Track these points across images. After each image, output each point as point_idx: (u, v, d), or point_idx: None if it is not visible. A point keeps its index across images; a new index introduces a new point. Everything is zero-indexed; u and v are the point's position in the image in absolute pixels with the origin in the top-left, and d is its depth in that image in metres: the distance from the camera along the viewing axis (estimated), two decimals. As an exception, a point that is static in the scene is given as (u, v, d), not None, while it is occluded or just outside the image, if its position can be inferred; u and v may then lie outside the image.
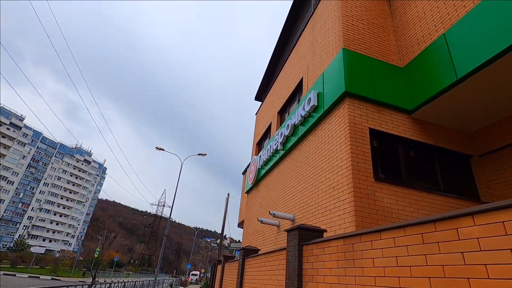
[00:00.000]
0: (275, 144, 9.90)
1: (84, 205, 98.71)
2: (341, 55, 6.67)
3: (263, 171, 11.42)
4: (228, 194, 31.73)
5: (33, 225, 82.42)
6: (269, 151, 10.52)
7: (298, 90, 9.98)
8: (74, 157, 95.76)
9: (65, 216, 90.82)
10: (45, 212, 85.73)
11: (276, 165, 10.16)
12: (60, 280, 29.83)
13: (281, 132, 9.31)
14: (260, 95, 17.90)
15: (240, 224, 20.29)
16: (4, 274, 26.92)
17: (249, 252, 7.97)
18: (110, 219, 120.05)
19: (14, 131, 76.40)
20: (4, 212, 74.80)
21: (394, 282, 2.61)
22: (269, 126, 12.69)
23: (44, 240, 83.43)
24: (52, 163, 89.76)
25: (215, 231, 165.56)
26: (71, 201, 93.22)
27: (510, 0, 4.63)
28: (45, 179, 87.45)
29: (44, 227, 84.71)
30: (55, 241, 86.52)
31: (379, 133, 6.13)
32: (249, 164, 15.29)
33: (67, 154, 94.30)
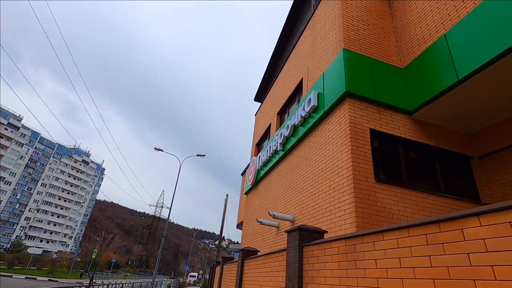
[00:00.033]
0: (274, 145, 9.87)
1: (82, 206, 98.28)
2: (342, 55, 6.65)
3: (262, 172, 11.38)
4: (227, 195, 31.67)
5: (30, 226, 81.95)
6: (268, 152, 10.49)
7: (298, 90, 9.96)
8: (72, 157, 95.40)
9: (62, 217, 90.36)
10: (43, 213, 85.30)
11: (276, 165, 10.11)
12: (57, 281, 29.63)
13: (281, 133, 9.27)
14: (260, 96, 17.87)
15: (239, 225, 20.22)
16: (0, 275, 26.69)
17: (249, 253, 7.91)
18: (108, 220, 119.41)
19: (12, 131, 76.06)
20: (1, 213, 74.33)
21: (397, 284, 2.58)
22: (269, 127, 12.66)
23: (41, 241, 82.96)
24: (50, 164, 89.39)
25: (213, 233, 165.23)
26: (68, 202, 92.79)
27: (511, 1, 4.63)
28: (43, 179, 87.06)
29: (42, 228, 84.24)
30: (52, 242, 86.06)
31: (380, 134, 6.10)
32: (248, 165, 15.24)
33: (65, 154, 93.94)
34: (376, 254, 2.91)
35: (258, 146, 14.42)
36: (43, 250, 62.70)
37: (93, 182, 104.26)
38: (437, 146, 6.48)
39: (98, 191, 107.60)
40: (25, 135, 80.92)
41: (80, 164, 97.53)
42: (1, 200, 74.33)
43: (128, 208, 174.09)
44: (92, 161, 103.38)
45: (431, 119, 6.58)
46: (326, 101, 6.84)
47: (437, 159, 6.53)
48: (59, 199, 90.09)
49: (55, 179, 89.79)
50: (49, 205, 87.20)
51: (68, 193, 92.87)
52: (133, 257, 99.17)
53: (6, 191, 76.12)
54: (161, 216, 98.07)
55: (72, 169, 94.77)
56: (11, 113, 77.12)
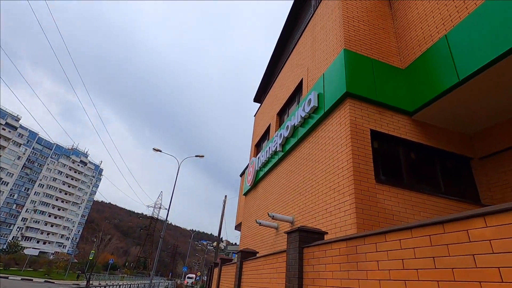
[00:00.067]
0: (274, 146, 9.83)
1: (80, 206, 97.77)
2: (342, 55, 6.63)
3: (261, 173, 11.33)
4: (225, 196, 31.56)
5: (27, 227, 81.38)
6: (268, 153, 10.44)
7: (298, 91, 9.93)
8: (70, 158, 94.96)
9: (60, 218, 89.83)
10: (40, 213, 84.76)
11: (275, 166, 10.07)
12: (53, 282, 29.41)
13: (281, 134, 9.23)
14: (259, 97, 17.84)
15: (238, 227, 20.13)
16: (-4, 276, 26.43)
17: (247, 254, 7.85)
18: (106, 221, 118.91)
19: (9, 131, 75.66)
20: (-2, 213, 73.86)
21: (400, 286, 2.53)
22: (268, 128, 12.62)
23: (38, 242, 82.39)
24: (48, 164, 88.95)
25: (211, 234, 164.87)
26: (66, 202, 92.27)
27: (512, 2, 4.62)
28: (40, 180, 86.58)
29: (38, 229, 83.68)
30: (49, 243, 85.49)
31: (380, 135, 6.07)
32: (247, 165, 15.19)
33: (63, 155, 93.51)
34: (378, 256, 2.86)
35: (257, 147, 14.38)
36: (40, 251, 62.32)
37: (91, 183, 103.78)
38: (438, 147, 6.46)
39: (96, 192, 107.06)
40: (23, 135, 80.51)
41: (78, 165, 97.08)
42: (-2, 201, 73.84)
43: (126, 209, 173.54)
44: (90, 162, 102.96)
45: (432, 120, 6.56)
46: (326, 101, 6.81)
47: (437, 160, 6.50)
48: (57, 199, 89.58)
49: (53, 180, 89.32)
50: (46, 205, 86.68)
51: (65, 194, 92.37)
52: (130, 258, 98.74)
53: (3, 192, 75.62)
54: (159, 218, 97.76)
55: (70, 170, 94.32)
56: (9, 113, 76.75)
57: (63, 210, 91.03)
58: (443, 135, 6.65)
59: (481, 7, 5.18)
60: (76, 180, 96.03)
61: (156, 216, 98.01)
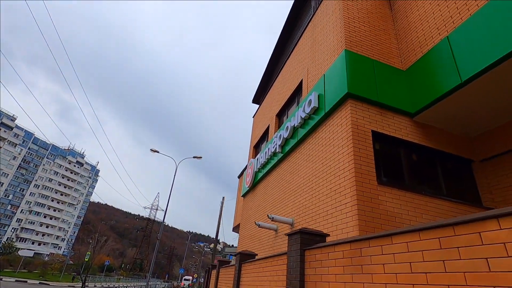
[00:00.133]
0: (273, 147, 9.75)
1: (76, 207, 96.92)
2: (343, 56, 6.58)
3: (260, 174, 11.24)
4: (223, 197, 31.42)
5: (22, 228, 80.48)
6: (267, 154, 10.37)
7: (297, 92, 9.88)
8: (66, 158, 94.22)
9: (55, 219, 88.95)
10: (35, 214, 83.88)
11: (274, 168, 9.99)
12: (48, 284, 29.05)
13: (280, 135, 9.16)
14: (258, 98, 17.79)
15: (235, 228, 20.00)
16: (-10, 278, 26.05)
17: (246, 256, 7.75)
18: (102, 222, 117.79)
19: (5, 131, 74.98)
20: (-8, 214, 73.01)
21: (408, 290, 2.46)
22: (267, 129, 12.55)
23: (33, 243, 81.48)
24: (44, 165, 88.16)
25: (208, 236, 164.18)
26: (62, 203, 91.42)
27: (516, 3, 4.59)
28: (36, 180, 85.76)
29: (34, 230, 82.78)
30: (44, 244, 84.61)
31: (381, 136, 6.02)
32: (246, 167, 15.10)
33: (59, 155, 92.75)
34: (384, 259, 2.79)
35: (256, 148, 14.30)
36: (35, 253, 61.59)
37: (87, 184, 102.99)
38: (439, 149, 6.42)
39: (92, 192, 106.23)
40: (18, 135, 79.81)
41: (74, 165, 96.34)
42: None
43: (122, 211, 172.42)
44: (86, 162, 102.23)
45: (433, 122, 6.53)
46: (327, 102, 6.76)
47: (438, 162, 6.46)
48: (52, 200, 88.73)
49: (48, 180, 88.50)
50: (41, 206, 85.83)
51: (61, 195, 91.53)
52: (126, 260, 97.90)
53: (-2, 192, 74.82)
54: (156, 219, 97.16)
55: (66, 170, 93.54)
56: (5, 113, 76.08)
57: (58, 211, 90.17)
58: (444, 137, 6.62)
59: (484, 8, 5.16)
60: (72, 181, 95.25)
61: (153, 218, 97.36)
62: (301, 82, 9.42)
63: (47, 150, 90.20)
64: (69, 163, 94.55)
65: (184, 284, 55.89)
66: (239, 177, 21.20)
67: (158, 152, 24.97)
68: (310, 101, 7.38)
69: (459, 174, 6.59)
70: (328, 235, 4.51)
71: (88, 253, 38.40)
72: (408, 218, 5.20)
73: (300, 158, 7.91)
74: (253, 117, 16.47)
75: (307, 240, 4.35)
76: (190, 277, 61.37)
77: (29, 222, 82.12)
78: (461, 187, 6.44)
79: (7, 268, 39.69)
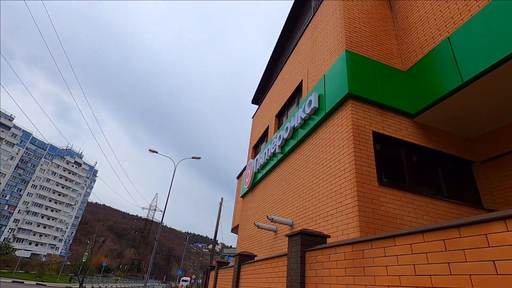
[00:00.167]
0: (273, 147, 9.71)
1: (73, 208, 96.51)
2: (344, 56, 6.55)
3: (259, 175, 11.19)
4: (222, 198, 31.33)
5: (19, 228, 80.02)
6: (266, 155, 10.32)
7: (297, 92, 9.85)
8: (64, 158, 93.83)
9: (53, 219, 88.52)
10: (32, 214, 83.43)
11: (274, 168, 9.95)
12: (45, 285, 28.85)
13: (280, 135, 9.12)
14: (257, 98, 17.75)
15: (234, 229, 19.94)
16: (-14, 278, 25.85)
17: (246, 258, 7.69)
18: (100, 223, 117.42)
19: (2, 131, 74.56)
20: (-11, 214, 72.55)
21: (412, 293, 2.41)
22: (267, 130, 12.51)
23: (30, 243, 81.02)
24: (41, 165, 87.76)
25: (206, 236, 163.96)
26: (59, 203, 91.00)
27: (518, 3, 4.57)
28: (34, 180, 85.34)
29: (31, 230, 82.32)
30: (41, 244, 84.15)
31: (382, 136, 5.99)
32: (245, 167, 15.05)
33: (57, 155, 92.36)
34: (387, 261, 2.75)
35: (255, 149, 14.26)
36: (32, 253, 61.20)
37: (85, 184, 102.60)
38: (439, 150, 6.40)
39: (90, 193, 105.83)
40: (16, 135, 79.38)
41: (72, 166, 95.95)
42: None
43: (121, 211, 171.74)
44: (84, 163, 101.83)
45: (433, 123, 6.50)
46: (327, 102, 6.72)
47: (439, 163, 6.44)
48: (50, 201, 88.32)
49: (46, 181, 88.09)
50: (39, 207, 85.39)
51: (59, 195, 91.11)
52: (124, 261, 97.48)
53: (-5, 192, 74.38)
54: (154, 219, 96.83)
55: (64, 171, 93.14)
56: (2, 113, 75.71)
57: (56, 211, 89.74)
58: (444, 138, 6.60)
59: (485, 9, 5.14)
60: (70, 181, 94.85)
61: (151, 218, 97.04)
62: (301, 83, 9.39)
63: (45, 150, 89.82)
64: (67, 163, 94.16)
65: (182, 285, 55.69)
66: (238, 177, 21.15)
67: (156, 152, 24.88)
68: (310, 102, 7.35)
69: (459, 175, 6.57)
70: (329, 236, 4.47)
71: (85, 253, 38.23)
72: (409, 220, 5.16)
73: (300, 158, 7.87)
74: (252, 117, 16.43)
75: (308, 241, 4.30)
76: (188, 278, 61.18)
77: (26, 222, 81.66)
78: (461, 188, 6.41)
79: (4, 269, 39.41)
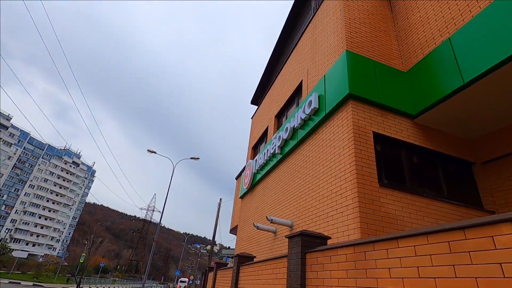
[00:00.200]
0: (272, 148, 9.67)
1: (71, 208, 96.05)
2: (344, 57, 6.53)
3: (259, 176, 11.15)
4: (220, 199, 31.25)
5: (16, 228, 79.54)
6: (266, 155, 10.28)
7: (297, 93, 9.81)
8: (62, 159, 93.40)
9: (50, 220, 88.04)
10: (30, 215, 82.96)
11: (273, 169, 9.90)
12: (42, 286, 28.63)
13: (279, 136, 9.09)
14: (257, 99, 17.71)
15: (232, 230, 19.86)
16: (-18, 279, 25.64)
17: (245, 259, 7.64)
18: (98, 223, 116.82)
19: (0, 130, 74.19)
20: (-14, 215, 72.05)
21: (415, 295, 2.37)
22: (266, 130, 12.47)
23: (27, 244, 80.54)
24: (39, 165, 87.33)
25: (205, 237, 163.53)
26: (57, 204, 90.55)
27: (519, 4, 4.56)
28: (31, 180, 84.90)
29: (28, 231, 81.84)
30: (39, 245, 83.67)
31: (383, 137, 5.96)
32: (244, 168, 15.00)
33: (55, 155, 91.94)
34: (390, 263, 2.71)
35: (255, 149, 14.21)
36: (29, 254, 60.84)
37: (83, 184, 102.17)
38: (440, 151, 6.37)
39: (88, 193, 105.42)
40: (14, 135, 79.04)
41: (70, 166, 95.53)
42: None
43: (118, 211, 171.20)
44: (82, 163, 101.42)
45: (434, 124, 6.48)
46: (327, 103, 6.69)
47: (439, 164, 6.42)
48: (47, 201, 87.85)
49: (44, 181, 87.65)
50: (36, 207, 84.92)
51: (56, 195, 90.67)
52: (122, 261, 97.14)
53: (-8, 192, 73.92)
54: (152, 220, 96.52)
55: (62, 171, 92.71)
56: (0, 112, 75.31)
57: (54, 211, 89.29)
58: (445, 139, 6.58)
59: (487, 9, 5.13)
60: (67, 182, 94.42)
61: (149, 219, 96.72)
62: (301, 83, 9.36)
63: (43, 150, 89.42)
64: (65, 163, 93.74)
65: (180, 286, 55.53)
66: (237, 178, 21.08)
67: (155, 152, 24.79)
68: (310, 102, 7.31)
69: (460, 177, 6.55)
70: (330, 237, 4.43)
71: (83, 254, 37.96)
72: (410, 221, 5.13)
73: (300, 159, 7.83)
74: (251, 118, 16.39)
75: (308, 242, 4.26)
76: (186, 279, 61.02)
77: (23, 222, 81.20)
78: (462, 189, 6.39)
79: (1, 269, 39.14)
